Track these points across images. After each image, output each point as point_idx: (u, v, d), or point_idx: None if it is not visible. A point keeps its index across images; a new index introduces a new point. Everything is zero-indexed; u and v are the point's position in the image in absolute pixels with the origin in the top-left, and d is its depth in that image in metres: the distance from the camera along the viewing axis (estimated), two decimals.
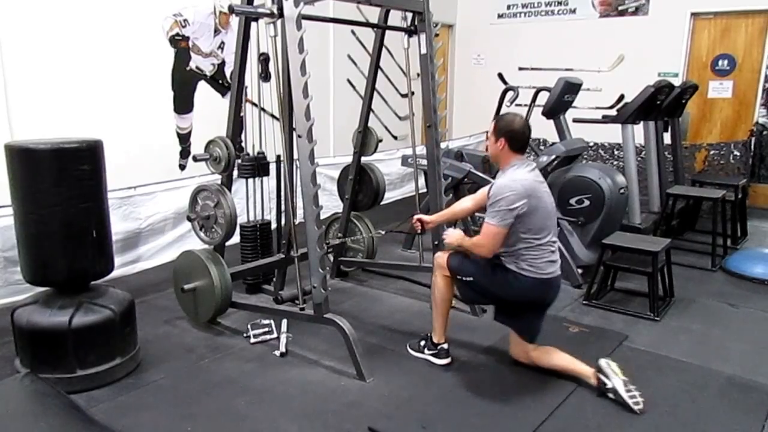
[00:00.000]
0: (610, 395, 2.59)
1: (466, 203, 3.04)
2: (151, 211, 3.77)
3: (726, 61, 6.59)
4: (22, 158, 2.57)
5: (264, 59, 3.31)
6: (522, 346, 2.85)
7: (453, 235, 2.84)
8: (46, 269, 2.68)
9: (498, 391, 2.72)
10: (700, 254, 4.69)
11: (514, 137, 2.64)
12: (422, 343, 3.04)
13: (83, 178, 2.63)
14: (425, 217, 3.13)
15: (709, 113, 6.80)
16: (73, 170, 2.60)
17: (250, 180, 3.71)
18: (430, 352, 2.99)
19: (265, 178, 3.90)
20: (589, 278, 3.88)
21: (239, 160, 3.60)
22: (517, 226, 2.61)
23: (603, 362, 2.67)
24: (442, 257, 2.90)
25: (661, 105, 5.11)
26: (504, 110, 4.71)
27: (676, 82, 6.01)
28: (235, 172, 3.45)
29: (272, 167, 3.77)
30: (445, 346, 2.96)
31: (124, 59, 4.44)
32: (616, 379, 2.59)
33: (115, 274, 3.13)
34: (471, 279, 2.80)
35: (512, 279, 2.68)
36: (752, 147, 6.41)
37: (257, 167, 3.64)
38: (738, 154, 6.35)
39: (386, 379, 2.81)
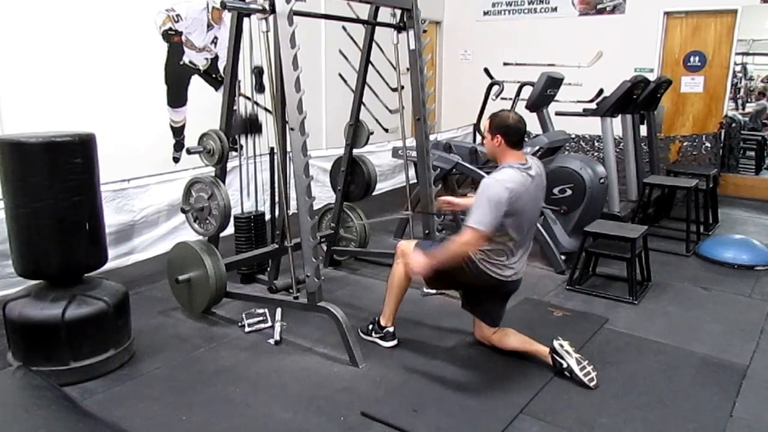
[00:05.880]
0: (566, 374, 2.60)
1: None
2: (144, 203, 3.65)
3: (697, 58, 6.61)
4: (14, 152, 2.43)
5: (258, 72, 3.25)
6: (484, 330, 2.85)
7: (417, 261, 2.53)
8: (38, 262, 2.54)
9: (486, 374, 2.68)
10: (675, 240, 4.69)
11: (509, 133, 2.55)
12: (370, 326, 2.99)
13: (76, 172, 2.50)
14: (454, 200, 2.94)
15: (682, 107, 6.82)
16: (65, 164, 2.47)
17: (244, 172, 3.58)
18: (377, 335, 2.95)
19: (258, 171, 3.79)
20: (572, 264, 3.85)
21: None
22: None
23: (556, 344, 2.65)
24: (406, 245, 2.83)
25: (637, 99, 5.10)
26: (490, 104, 4.65)
27: (651, 77, 6.02)
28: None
29: (266, 172, 3.66)
30: (391, 329, 2.93)
31: (117, 53, 4.28)
32: (569, 358, 2.59)
33: (108, 266, 3.01)
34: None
35: (474, 269, 2.62)
36: (722, 139, 6.44)
37: (248, 125, 3.47)
38: (709, 145, 6.39)
39: (378, 365, 2.75)
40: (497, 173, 2.53)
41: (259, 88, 3.31)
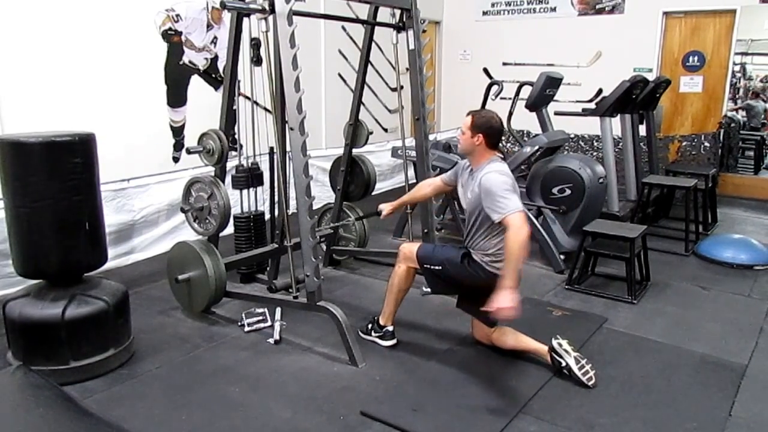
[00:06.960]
0: (565, 373, 2.60)
1: (425, 189, 3.04)
2: (144, 203, 3.65)
3: (696, 58, 6.61)
4: (14, 152, 2.43)
5: (255, 44, 3.22)
6: (483, 329, 2.86)
7: (506, 300, 2.31)
8: (38, 262, 2.54)
9: (485, 374, 2.67)
10: (674, 240, 4.68)
11: (492, 134, 2.61)
12: (370, 325, 3.00)
13: (76, 171, 2.50)
14: (383, 206, 3.13)
15: (681, 107, 6.82)
16: (65, 163, 2.47)
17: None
18: (377, 334, 2.96)
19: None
20: (571, 264, 3.85)
21: (233, 172, 3.49)
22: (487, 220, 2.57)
23: (555, 343, 2.65)
24: (409, 247, 2.85)
25: (636, 99, 5.10)
26: (489, 104, 4.65)
27: (650, 77, 6.00)
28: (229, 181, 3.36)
29: (265, 172, 3.66)
30: (390, 328, 2.94)
31: (117, 53, 4.28)
32: (568, 357, 2.60)
33: (108, 265, 3.02)
34: (439, 268, 2.76)
35: (483, 273, 2.64)
36: (721, 138, 6.43)
37: (251, 178, 3.53)
38: (708, 145, 6.38)
39: (378, 365, 2.74)
40: (492, 168, 2.57)
41: (257, 61, 3.26)
